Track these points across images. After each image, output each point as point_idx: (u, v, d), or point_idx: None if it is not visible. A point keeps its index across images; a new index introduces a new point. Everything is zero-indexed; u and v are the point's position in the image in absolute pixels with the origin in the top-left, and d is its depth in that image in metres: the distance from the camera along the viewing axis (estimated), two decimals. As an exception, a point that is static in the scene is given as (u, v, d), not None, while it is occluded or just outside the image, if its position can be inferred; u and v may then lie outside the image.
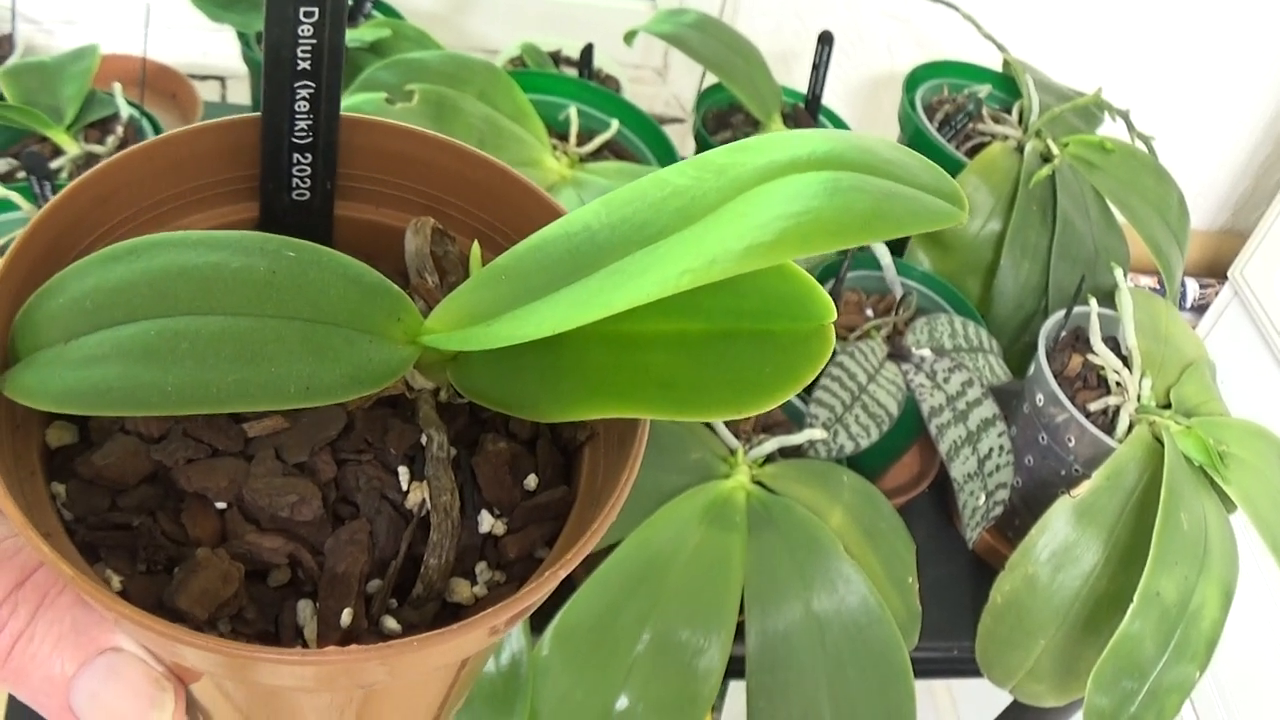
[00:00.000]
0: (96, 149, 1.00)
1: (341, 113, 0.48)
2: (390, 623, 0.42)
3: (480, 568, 0.45)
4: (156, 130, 1.04)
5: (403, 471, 0.45)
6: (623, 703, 0.74)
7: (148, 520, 0.42)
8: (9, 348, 0.40)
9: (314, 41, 0.44)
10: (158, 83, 1.16)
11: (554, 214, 0.48)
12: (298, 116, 0.46)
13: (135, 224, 0.46)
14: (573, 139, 1.04)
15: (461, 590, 0.44)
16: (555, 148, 0.96)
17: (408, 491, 0.45)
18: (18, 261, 0.40)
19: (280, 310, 0.40)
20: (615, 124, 1.07)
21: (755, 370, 0.39)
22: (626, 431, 0.45)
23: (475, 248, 0.47)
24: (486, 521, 0.46)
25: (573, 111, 1.06)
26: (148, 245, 0.40)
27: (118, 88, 1.05)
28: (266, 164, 0.48)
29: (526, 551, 0.46)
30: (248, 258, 0.41)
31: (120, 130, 1.02)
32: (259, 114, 0.47)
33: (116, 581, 0.40)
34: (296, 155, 0.48)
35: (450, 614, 0.44)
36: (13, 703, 0.41)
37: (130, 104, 1.05)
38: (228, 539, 0.42)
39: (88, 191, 0.44)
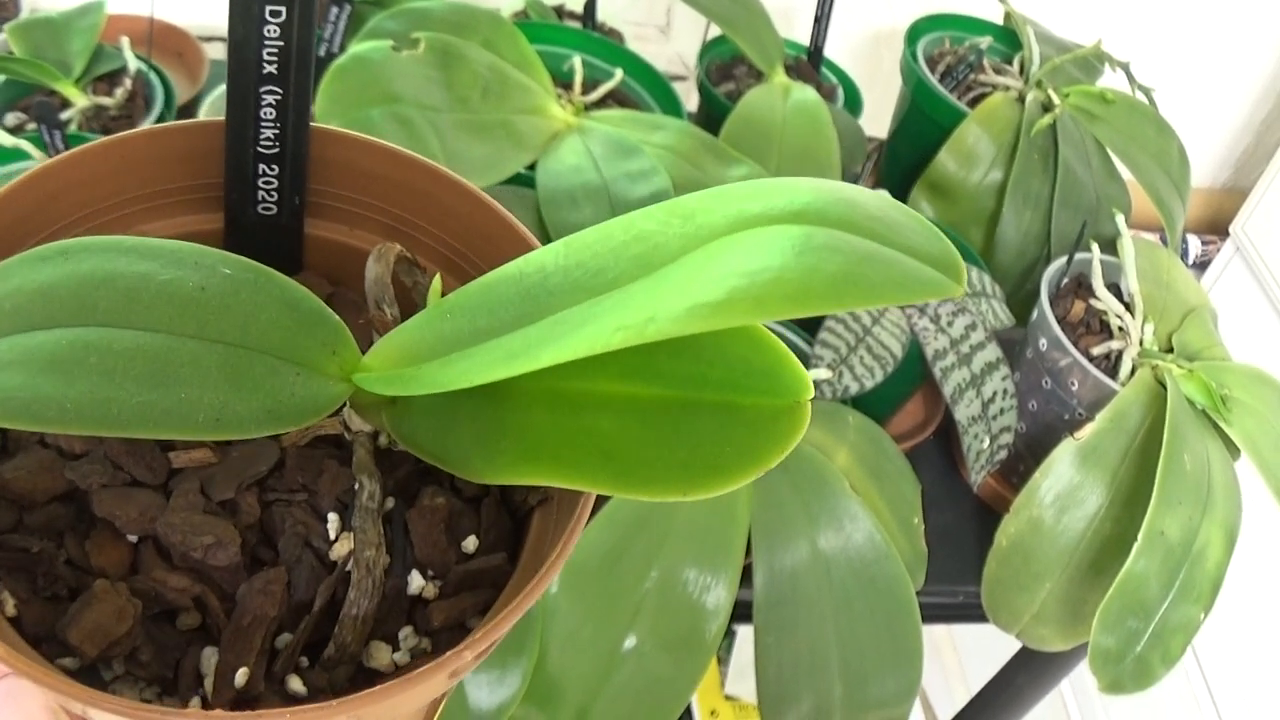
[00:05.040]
0: (105, 101, 1.00)
1: (312, 124, 0.45)
2: (295, 684, 0.39)
3: (405, 633, 0.42)
4: (165, 84, 1.04)
5: (332, 519, 0.42)
6: (631, 641, 0.74)
7: (50, 545, 0.39)
8: None
9: (281, 44, 0.41)
10: (165, 41, 1.16)
11: (526, 247, 0.45)
12: (263, 124, 0.43)
13: (88, 225, 0.43)
14: (577, 87, 1.04)
15: (380, 655, 0.41)
16: (560, 96, 0.96)
17: (335, 540, 0.42)
18: None
19: (202, 331, 0.37)
20: (619, 72, 1.07)
21: (714, 448, 0.35)
22: (575, 498, 0.40)
23: (437, 281, 0.43)
24: (416, 582, 0.42)
25: (577, 61, 1.06)
26: (79, 248, 0.37)
27: (125, 41, 1.05)
28: (231, 173, 0.45)
29: (456, 620, 0.42)
30: (179, 270, 0.38)
31: (128, 83, 1.03)
32: (221, 119, 0.44)
33: (11, 605, 0.37)
34: (263, 166, 0.44)
35: (365, 680, 0.40)
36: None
37: (138, 57, 1.05)
38: (136, 572, 0.40)
39: (35, 188, 0.41)
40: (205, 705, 0.38)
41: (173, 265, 0.38)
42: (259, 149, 0.44)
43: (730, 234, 0.33)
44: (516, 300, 0.37)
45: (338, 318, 0.40)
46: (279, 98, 0.43)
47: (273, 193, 0.45)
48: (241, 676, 0.38)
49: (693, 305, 0.29)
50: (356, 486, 0.42)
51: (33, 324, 0.35)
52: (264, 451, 0.43)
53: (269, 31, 0.41)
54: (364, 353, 0.40)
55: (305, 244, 0.48)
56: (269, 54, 0.41)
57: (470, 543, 0.44)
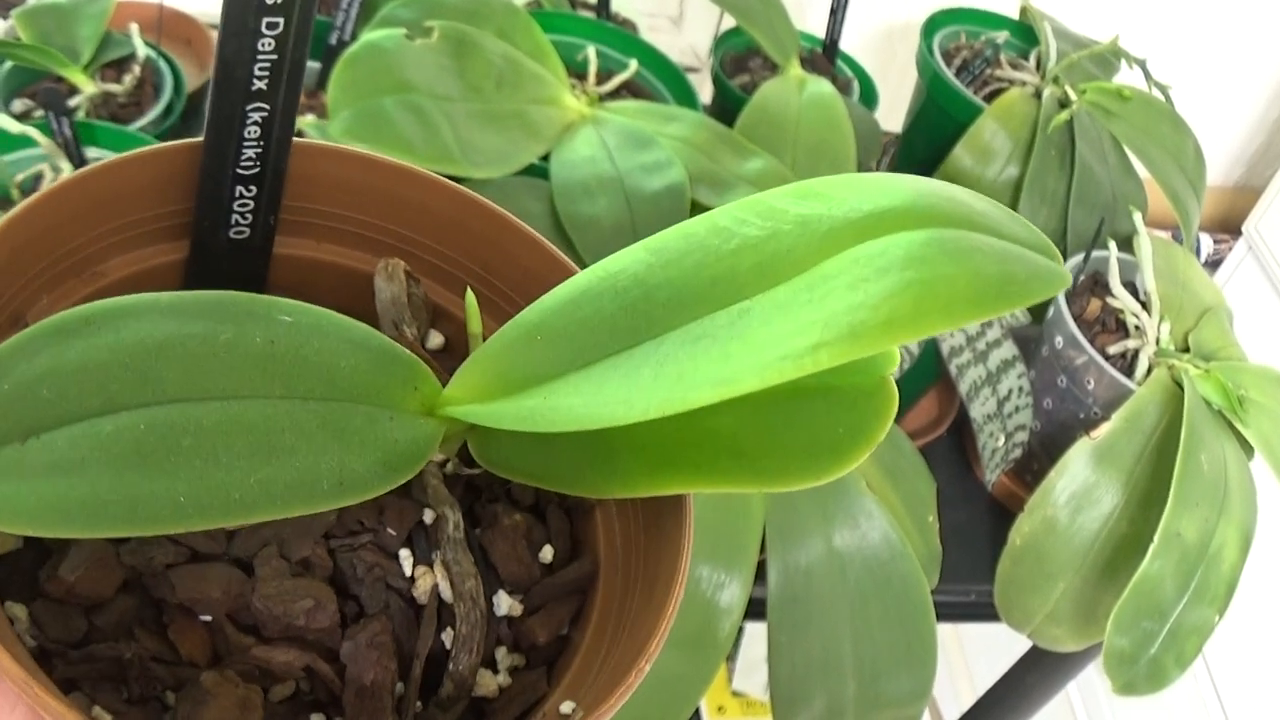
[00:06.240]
0: (113, 88, 1.00)
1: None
2: None
3: (500, 653, 0.41)
4: (174, 71, 1.04)
5: (404, 555, 0.40)
6: (643, 639, 0.73)
7: (133, 644, 0.35)
8: None
9: (274, 57, 0.38)
10: (174, 28, 1.15)
11: (520, 240, 0.44)
12: (246, 144, 0.40)
13: (50, 276, 0.39)
14: (591, 78, 1.03)
15: (486, 683, 0.40)
16: (574, 86, 0.95)
17: (413, 577, 0.40)
18: None
19: (289, 390, 0.34)
20: (634, 63, 1.06)
21: (827, 431, 0.35)
22: (653, 506, 0.40)
23: (470, 298, 0.41)
24: (505, 602, 0.41)
25: (591, 51, 1.05)
26: (107, 314, 0.33)
27: (134, 28, 1.05)
28: (204, 198, 0.41)
29: (555, 631, 0.41)
30: (238, 326, 0.35)
31: (137, 70, 1.02)
32: (195, 140, 0.41)
33: None
34: (240, 188, 0.41)
35: (475, 710, 0.40)
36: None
37: (147, 44, 1.04)
38: (227, 654, 0.37)
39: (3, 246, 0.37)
40: None
41: (228, 321, 0.35)
42: (239, 169, 0.41)
43: (857, 240, 0.32)
44: (621, 315, 0.35)
45: (409, 351, 0.38)
46: (265, 115, 0.40)
47: (247, 215, 0.42)
48: None
49: (858, 323, 0.29)
50: (437, 518, 0.41)
51: (87, 410, 0.32)
52: None
53: (263, 45, 0.38)
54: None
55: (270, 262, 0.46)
56: (260, 69, 0.38)
57: (547, 553, 0.43)
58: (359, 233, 0.46)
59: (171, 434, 0.32)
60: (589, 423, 0.33)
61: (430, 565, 0.41)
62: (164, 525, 0.31)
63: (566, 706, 0.38)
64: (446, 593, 0.40)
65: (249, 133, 0.40)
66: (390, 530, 0.41)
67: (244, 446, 0.32)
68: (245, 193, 0.42)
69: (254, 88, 0.39)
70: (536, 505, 0.44)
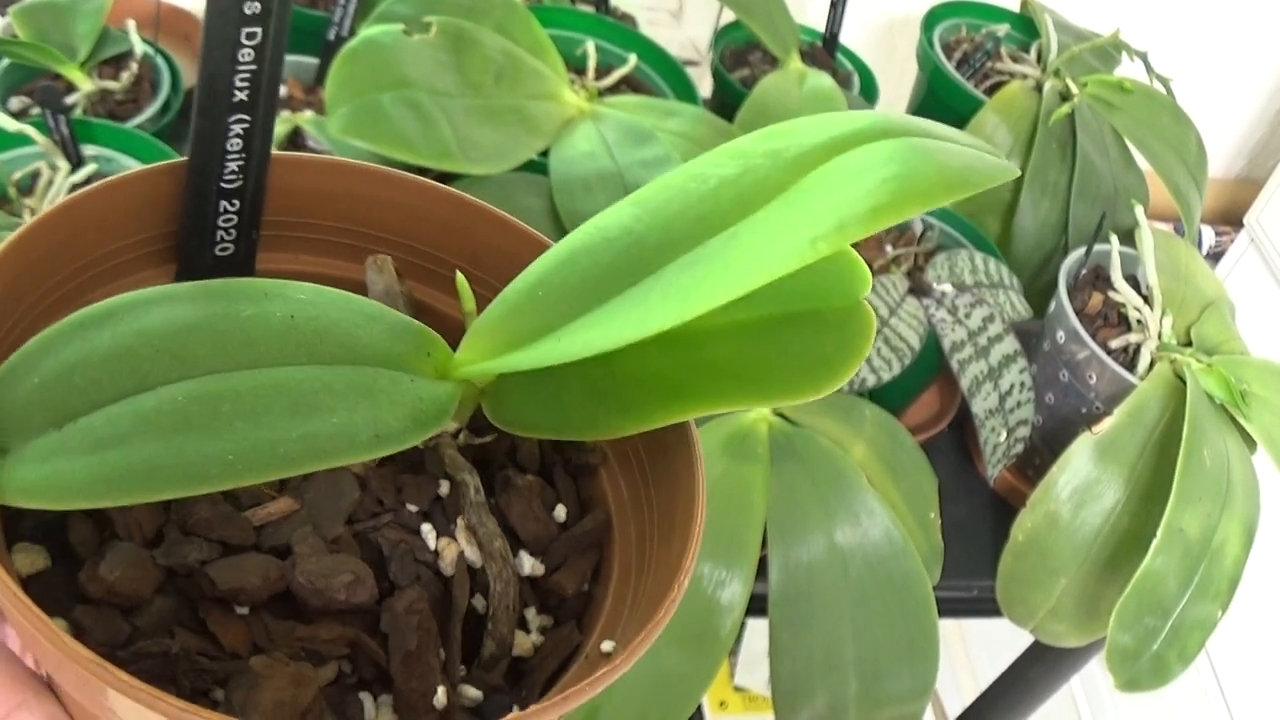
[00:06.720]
0: (110, 85, 0.99)
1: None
2: (470, 691, 0.39)
3: (529, 614, 0.42)
4: (172, 68, 1.03)
5: (426, 529, 0.41)
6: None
7: (174, 641, 0.36)
8: None
9: (254, 68, 0.38)
10: (172, 24, 1.14)
11: (497, 227, 0.45)
12: (229, 157, 0.40)
13: (43, 307, 0.39)
14: (590, 73, 1.03)
15: (520, 642, 0.41)
16: (573, 82, 0.95)
17: (438, 551, 0.41)
18: None
19: (315, 357, 0.36)
20: (633, 58, 1.06)
21: (819, 350, 0.38)
22: (658, 442, 0.42)
23: (461, 279, 0.42)
24: (527, 564, 0.42)
25: (590, 46, 1.05)
26: (128, 305, 0.35)
27: (131, 24, 1.04)
28: (189, 217, 0.41)
29: (579, 586, 0.43)
30: (257, 305, 0.36)
31: (135, 67, 1.02)
32: (177, 161, 0.41)
33: None
34: (224, 203, 0.41)
35: (515, 671, 0.41)
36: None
37: (145, 41, 1.04)
38: (269, 643, 0.37)
39: None
40: None
41: (246, 301, 0.36)
42: (223, 184, 0.41)
43: (833, 156, 0.35)
44: (614, 262, 0.37)
45: (419, 322, 0.40)
46: (247, 126, 0.40)
47: (231, 230, 0.42)
48: (442, 696, 0.37)
49: (845, 217, 0.32)
50: (455, 487, 0.42)
51: (123, 391, 0.33)
52: (341, 482, 0.41)
53: (243, 56, 0.38)
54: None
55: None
56: (241, 80, 0.39)
57: (560, 513, 0.45)
58: (333, 240, 0.46)
59: (211, 401, 0.33)
60: (605, 344, 0.34)
61: (452, 536, 0.42)
62: (216, 482, 0.32)
63: (607, 645, 0.39)
64: (473, 558, 0.41)
65: (231, 145, 0.40)
66: (410, 506, 0.42)
67: (282, 407, 0.34)
68: (229, 208, 0.42)
69: (235, 99, 0.39)
70: (543, 470, 0.46)
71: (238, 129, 0.40)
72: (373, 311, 0.39)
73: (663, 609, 0.36)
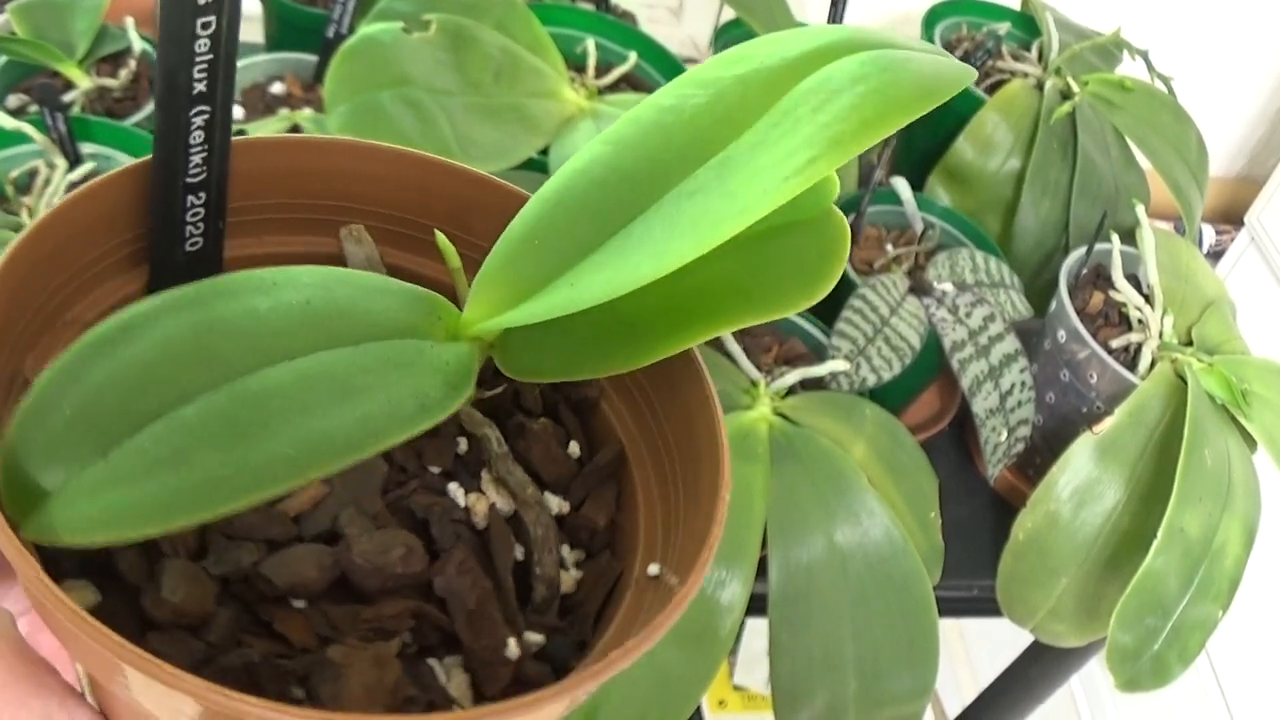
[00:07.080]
0: (109, 82, 0.99)
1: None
2: (533, 636, 0.39)
3: (564, 551, 0.42)
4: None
5: (453, 488, 0.42)
6: (643, 636, 0.73)
7: (252, 649, 0.35)
8: (4, 503, 0.31)
9: (211, 57, 0.37)
10: (169, 21, 1.14)
11: (487, 186, 0.45)
12: (192, 150, 0.39)
13: (28, 334, 0.38)
14: (590, 71, 1.03)
15: (565, 580, 0.41)
16: (573, 80, 0.95)
17: (468, 507, 0.41)
18: None
19: (339, 339, 0.35)
20: (633, 56, 1.05)
21: (804, 257, 0.39)
22: (663, 373, 0.42)
23: (441, 236, 0.42)
24: (553, 504, 0.43)
25: (590, 44, 1.04)
26: (141, 316, 0.33)
27: (130, 22, 1.04)
28: (158, 216, 0.41)
29: (608, 516, 0.43)
30: (269, 295, 0.35)
31: (133, 64, 1.01)
32: (139, 161, 0.40)
33: None
34: (190, 197, 0.40)
35: (564, 607, 0.41)
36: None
37: (143, 38, 1.04)
38: (334, 632, 0.37)
39: None
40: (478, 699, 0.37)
41: (255, 293, 0.35)
42: (188, 179, 0.40)
43: (804, 74, 0.35)
44: (605, 201, 0.37)
45: (422, 288, 0.40)
46: (208, 117, 0.39)
47: (199, 224, 0.41)
48: (514, 646, 0.38)
49: (836, 134, 0.33)
50: (476, 442, 0.43)
51: (163, 405, 0.32)
52: (367, 459, 0.41)
53: (199, 47, 0.37)
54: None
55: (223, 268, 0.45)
56: (199, 71, 0.38)
57: (574, 449, 0.45)
58: (298, 217, 0.46)
59: (258, 400, 0.33)
60: (626, 285, 0.34)
61: (480, 490, 0.42)
62: (284, 483, 0.31)
63: (653, 569, 0.39)
64: (504, 508, 0.42)
65: (194, 138, 0.39)
66: (432, 469, 0.42)
67: (329, 394, 0.34)
68: (195, 201, 0.41)
69: (195, 91, 0.38)
70: (547, 411, 0.46)
71: (199, 120, 0.39)
72: (377, 284, 0.38)
73: (715, 525, 0.36)
